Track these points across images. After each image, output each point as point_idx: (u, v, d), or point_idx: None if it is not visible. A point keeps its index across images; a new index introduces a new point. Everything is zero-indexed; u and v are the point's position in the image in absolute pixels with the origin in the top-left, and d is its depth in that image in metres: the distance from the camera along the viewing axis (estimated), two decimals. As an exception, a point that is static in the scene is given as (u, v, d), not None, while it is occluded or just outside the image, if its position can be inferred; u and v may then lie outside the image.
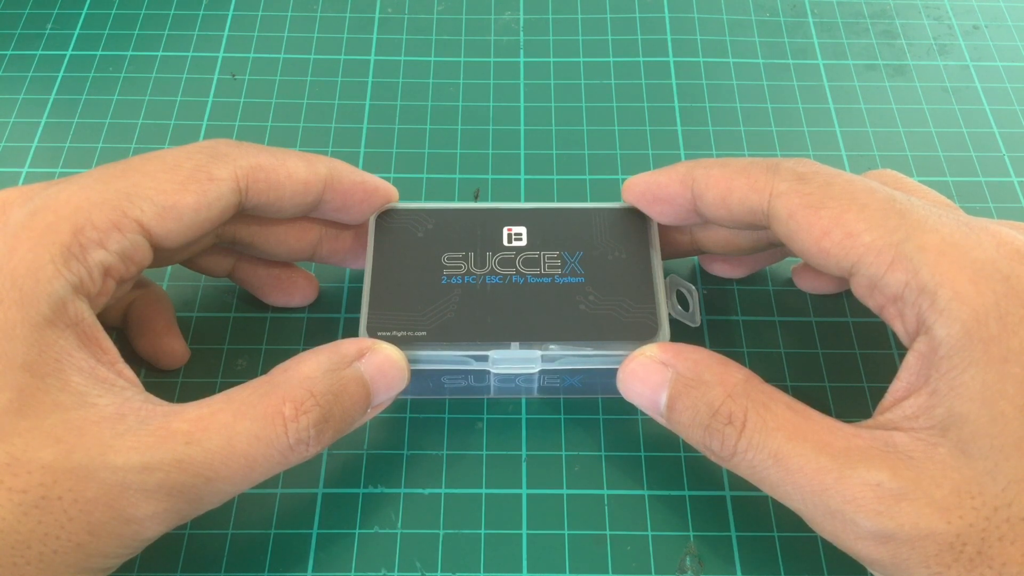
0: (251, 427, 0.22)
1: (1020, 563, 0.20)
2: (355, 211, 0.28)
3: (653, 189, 0.27)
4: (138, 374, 0.30)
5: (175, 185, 0.24)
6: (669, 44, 0.41)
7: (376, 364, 0.25)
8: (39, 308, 0.21)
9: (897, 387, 0.23)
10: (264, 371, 0.31)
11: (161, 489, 0.21)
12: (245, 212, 0.27)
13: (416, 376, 0.27)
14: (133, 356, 0.30)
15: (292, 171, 0.26)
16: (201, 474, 0.22)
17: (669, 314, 0.28)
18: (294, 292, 0.32)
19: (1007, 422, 0.20)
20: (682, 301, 0.30)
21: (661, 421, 0.25)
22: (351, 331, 0.32)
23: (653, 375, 0.25)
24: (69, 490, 0.21)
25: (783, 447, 0.22)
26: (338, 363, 0.24)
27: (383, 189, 0.29)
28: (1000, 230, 0.22)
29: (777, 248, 0.30)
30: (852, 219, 0.23)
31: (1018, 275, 0.21)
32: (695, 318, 0.29)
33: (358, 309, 0.32)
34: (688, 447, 0.29)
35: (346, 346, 0.25)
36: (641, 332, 0.26)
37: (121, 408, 0.22)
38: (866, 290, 0.24)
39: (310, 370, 0.24)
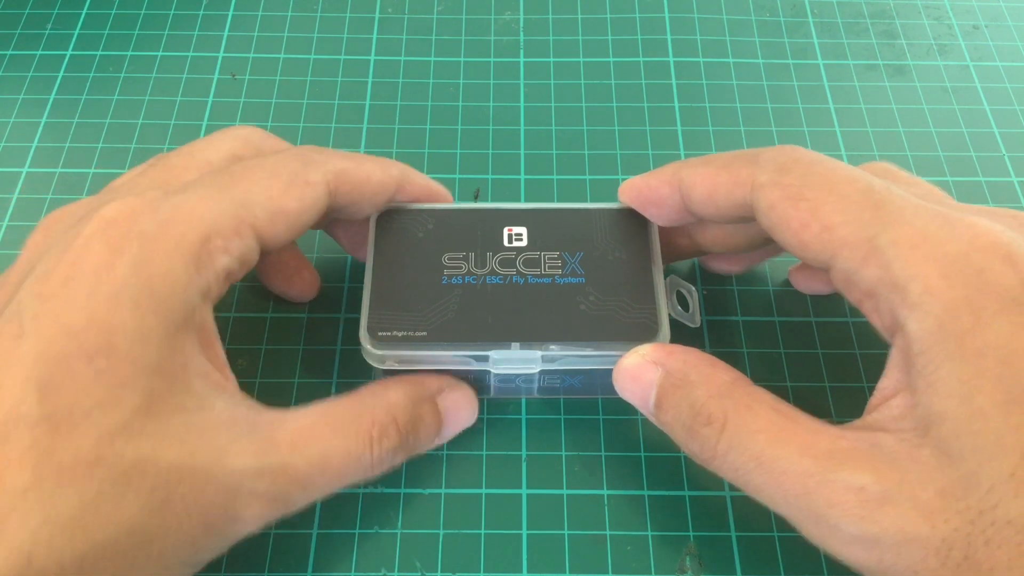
0: (344, 444, 0.24)
1: (1007, 568, 0.19)
2: None
3: (645, 193, 0.28)
4: (266, 310, 0.32)
5: (279, 191, 0.25)
6: (669, 44, 0.41)
7: (452, 400, 0.27)
8: (173, 314, 0.22)
9: (884, 385, 0.22)
10: (264, 371, 0.31)
11: (267, 494, 0.23)
12: (330, 213, 0.28)
13: (416, 376, 0.27)
14: (258, 292, 0.32)
15: (370, 174, 0.27)
16: (300, 482, 0.23)
17: (669, 314, 0.28)
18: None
19: (987, 420, 0.19)
20: (682, 302, 0.30)
21: (653, 421, 0.26)
22: (351, 331, 0.32)
23: (644, 374, 0.25)
24: (191, 490, 0.21)
25: (765, 450, 0.22)
26: (421, 396, 0.26)
27: (444, 194, 0.30)
28: (978, 221, 0.22)
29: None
30: (829, 211, 0.22)
31: (991, 268, 0.20)
32: (695, 318, 0.29)
33: (358, 309, 0.32)
34: (688, 447, 0.29)
35: (429, 381, 0.27)
36: (641, 333, 0.26)
37: (233, 413, 0.23)
38: (844, 284, 0.23)
39: (397, 398, 0.26)
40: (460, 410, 0.28)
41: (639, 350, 0.25)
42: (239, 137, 0.28)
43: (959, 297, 0.20)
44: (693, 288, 0.29)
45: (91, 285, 0.22)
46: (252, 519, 0.23)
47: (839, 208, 0.22)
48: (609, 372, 0.28)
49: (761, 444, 0.22)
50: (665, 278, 0.29)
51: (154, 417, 0.22)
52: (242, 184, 0.25)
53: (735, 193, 0.25)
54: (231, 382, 0.24)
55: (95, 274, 0.22)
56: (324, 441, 0.24)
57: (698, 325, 0.29)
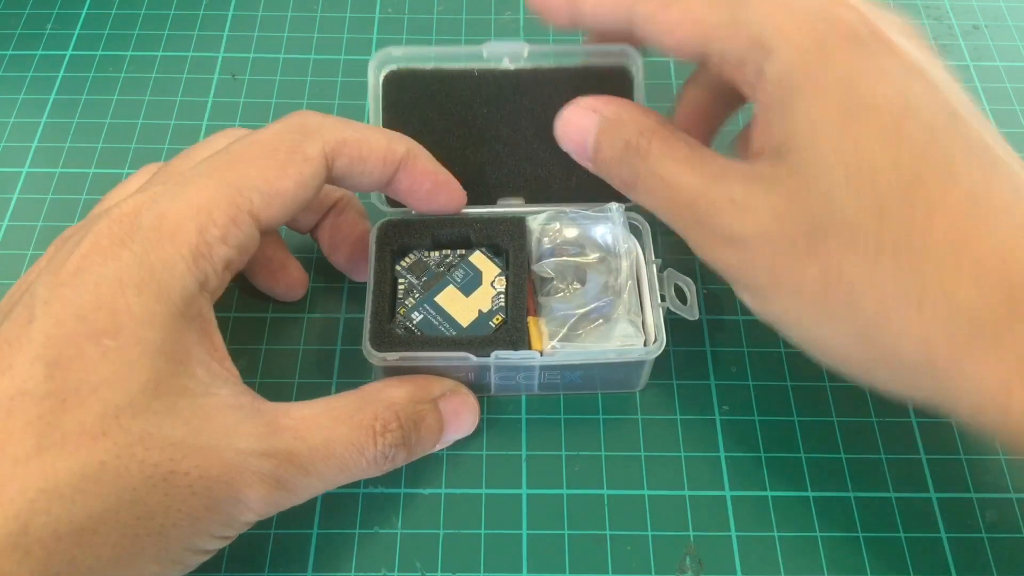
0: (347, 433, 0.25)
1: (839, 253, 0.23)
2: (422, 198, 0.29)
3: (539, 5, 0.29)
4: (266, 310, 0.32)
5: (276, 171, 0.25)
6: (669, 44, 0.41)
7: (454, 404, 0.28)
8: (174, 300, 0.23)
9: (754, 134, 0.25)
10: (264, 371, 0.31)
11: (271, 476, 0.23)
12: (330, 182, 0.28)
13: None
14: (253, 291, 0.32)
15: (374, 146, 0.28)
16: (303, 468, 0.24)
17: (668, 308, 0.28)
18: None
19: (827, 135, 0.23)
20: (680, 295, 0.30)
21: (589, 165, 0.29)
22: (351, 331, 0.32)
23: (583, 119, 0.28)
24: (196, 466, 0.22)
25: (671, 170, 0.26)
26: (422, 396, 0.27)
27: (453, 187, 0.30)
28: None
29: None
30: (697, 7, 0.26)
31: (840, 16, 0.24)
32: (693, 311, 0.29)
33: (358, 309, 0.32)
34: (688, 447, 0.29)
35: (432, 384, 0.28)
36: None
37: (237, 400, 0.24)
38: (720, 67, 0.26)
39: (398, 396, 0.26)
40: (461, 415, 0.28)
41: (577, 101, 0.29)
42: (237, 130, 0.29)
43: (810, 41, 0.24)
44: (691, 281, 0.29)
45: (99, 273, 0.23)
46: (255, 502, 0.23)
47: (705, 2, 0.26)
48: (609, 367, 0.28)
49: (669, 166, 0.26)
50: (663, 272, 0.29)
51: (160, 396, 0.22)
52: (238, 167, 0.25)
53: (617, 10, 0.28)
54: (233, 374, 0.25)
55: (103, 263, 0.23)
56: (327, 430, 0.24)
57: (696, 318, 0.29)
